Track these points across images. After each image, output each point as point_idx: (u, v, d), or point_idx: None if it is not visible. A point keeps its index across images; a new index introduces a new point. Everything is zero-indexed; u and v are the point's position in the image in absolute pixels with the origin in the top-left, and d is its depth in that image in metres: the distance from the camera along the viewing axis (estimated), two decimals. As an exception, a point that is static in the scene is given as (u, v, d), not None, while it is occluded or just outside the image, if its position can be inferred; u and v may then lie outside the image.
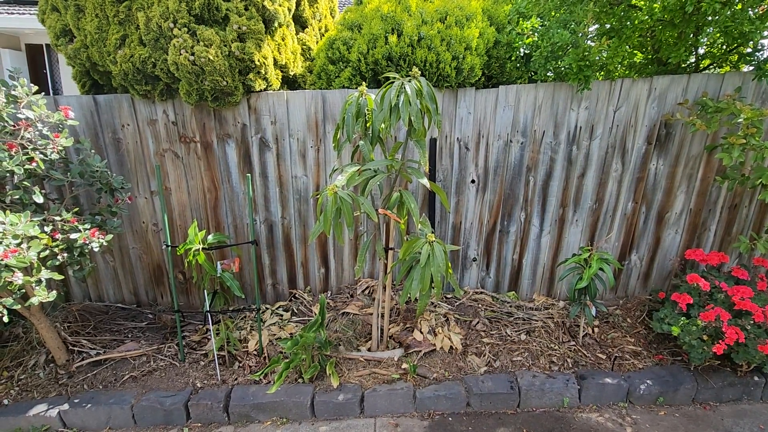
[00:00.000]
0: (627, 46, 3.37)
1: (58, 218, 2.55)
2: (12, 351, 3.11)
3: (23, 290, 2.38)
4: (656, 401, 2.92)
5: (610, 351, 3.18)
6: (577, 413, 2.87)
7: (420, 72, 3.07)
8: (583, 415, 2.86)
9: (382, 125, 2.33)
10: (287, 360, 2.92)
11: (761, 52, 3.14)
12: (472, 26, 3.16)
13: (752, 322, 2.80)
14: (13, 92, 2.50)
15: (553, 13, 3.26)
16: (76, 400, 2.79)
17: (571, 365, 3.08)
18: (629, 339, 3.29)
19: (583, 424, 2.78)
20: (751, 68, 3.23)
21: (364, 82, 2.91)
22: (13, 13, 8.93)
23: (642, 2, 3.10)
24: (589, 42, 3.28)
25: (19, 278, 2.22)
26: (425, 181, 2.36)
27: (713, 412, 2.89)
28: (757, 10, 2.80)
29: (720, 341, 2.75)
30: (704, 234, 3.56)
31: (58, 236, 2.51)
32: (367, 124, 2.52)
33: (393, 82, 2.29)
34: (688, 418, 2.85)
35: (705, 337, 2.84)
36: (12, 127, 2.49)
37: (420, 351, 3.12)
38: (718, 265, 3.33)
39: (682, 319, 2.96)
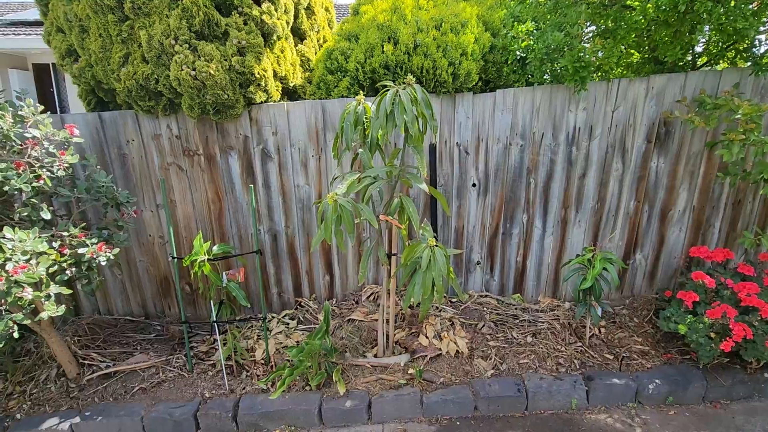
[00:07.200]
0: (622, 47, 3.39)
1: (65, 234, 2.60)
2: (24, 366, 3.15)
3: (33, 305, 2.43)
4: (666, 401, 2.90)
5: (618, 351, 3.17)
6: (585, 415, 2.86)
7: (416, 79, 3.13)
8: (591, 416, 2.84)
9: (380, 133, 2.36)
10: (292, 367, 2.94)
11: (758, 48, 3.14)
12: (468, 32, 3.20)
13: (759, 318, 2.77)
14: (20, 112, 2.56)
15: (547, 17, 3.29)
16: (87, 413, 2.83)
17: (578, 366, 3.06)
18: (636, 338, 3.28)
19: (592, 426, 2.76)
20: (750, 64, 3.24)
21: (362, 91, 2.95)
22: (19, 34, 9.13)
23: (636, 3, 3.12)
24: (584, 44, 3.30)
25: (29, 293, 2.26)
26: (424, 186, 2.38)
27: (724, 411, 2.86)
28: (751, 7, 2.81)
29: (727, 338, 2.73)
30: (708, 231, 3.54)
31: (66, 251, 2.55)
32: (366, 132, 2.56)
33: (389, 90, 2.33)
34: (699, 417, 2.82)
35: (712, 335, 2.82)
36: (19, 146, 2.55)
37: (426, 356, 3.13)
38: (724, 262, 3.31)
39: (689, 317, 2.95)
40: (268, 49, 3.19)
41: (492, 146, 3.35)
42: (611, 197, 3.45)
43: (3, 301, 2.27)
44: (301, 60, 3.75)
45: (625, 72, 3.73)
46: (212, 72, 2.83)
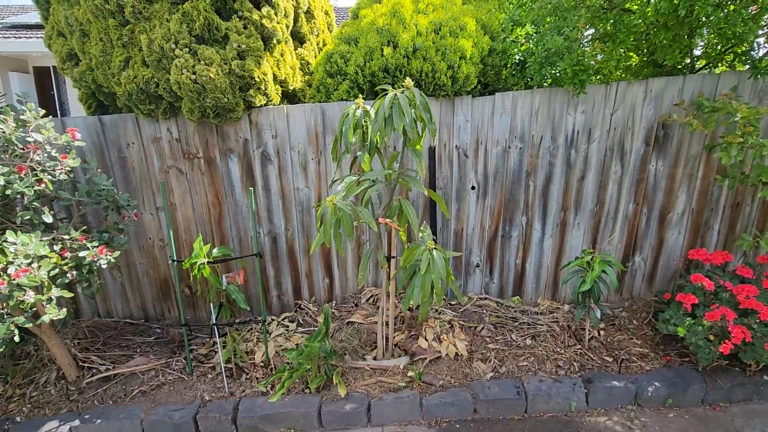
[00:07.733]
0: (621, 50, 3.40)
1: (66, 237, 2.61)
2: (23, 369, 3.16)
3: (34, 308, 2.43)
4: (665, 403, 2.91)
5: (617, 353, 3.17)
6: (585, 417, 2.86)
7: (415, 82, 3.14)
8: (591, 419, 2.85)
9: (378, 136, 2.37)
10: (291, 369, 2.95)
11: (756, 51, 3.15)
12: (467, 36, 3.21)
13: (758, 320, 2.78)
14: (22, 117, 2.57)
15: (547, 20, 3.31)
16: (86, 416, 2.83)
17: (577, 369, 3.07)
18: (636, 341, 3.28)
19: (591, 428, 2.77)
20: (748, 67, 3.25)
21: (361, 94, 2.96)
22: (20, 37, 9.17)
23: (635, 6, 3.14)
24: (584, 47, 3.31)
25: (30, 297, 2.27)
26: (423, 189, 2.39)
27: (723, 413, 2.86)
28: (749, 11, 2.82)
29: (726, 341, 2.74)
30: (708, 233, 3.55)
31: (67, 254, 2.56)
32: (365, 135, 2.57)
33: (387, 94, 2.34)
34: (698, 419, 2.82)
35: (711, 337, 2.83)
36: (21, 150, 2.56)
37: (425, 358, 3.13)
38: (723, 264, 3.32)
39: (688, 319, 2.95)
40: (267, 53, 3.21)
41: (491, 149, 3.36)
42: (610, 200, 3.46)
43: (5, 304, 2.28)
44: (301, 63, 3.77)
45: (623, 75, 3.74)
46: (212, 76, 2.84)
